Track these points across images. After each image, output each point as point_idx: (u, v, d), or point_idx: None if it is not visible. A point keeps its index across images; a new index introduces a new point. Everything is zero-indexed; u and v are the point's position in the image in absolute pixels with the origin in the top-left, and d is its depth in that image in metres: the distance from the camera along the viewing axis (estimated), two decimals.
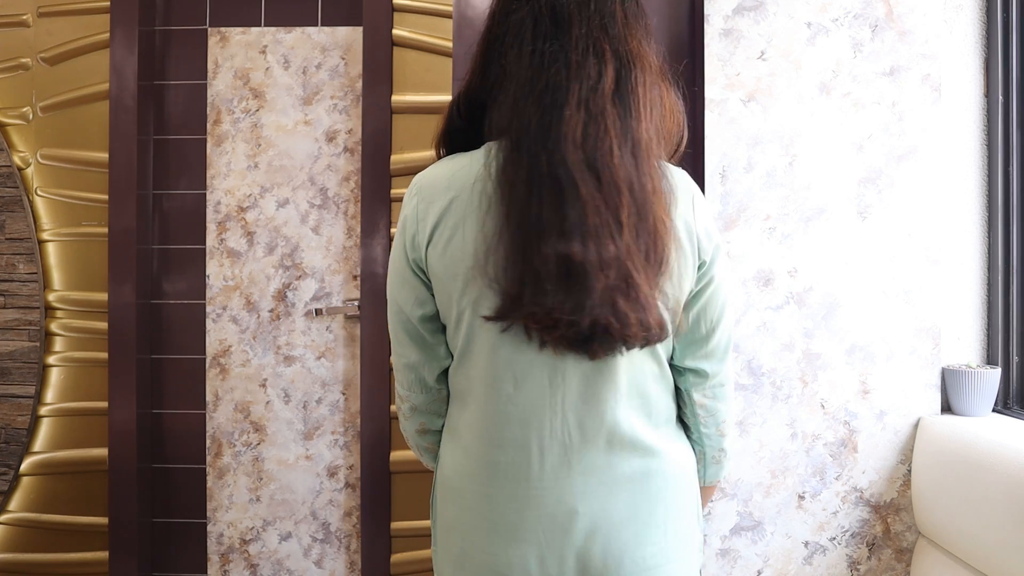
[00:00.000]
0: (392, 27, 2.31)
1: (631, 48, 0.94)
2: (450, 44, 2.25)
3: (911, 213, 1.82)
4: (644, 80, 0.94)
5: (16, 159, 2.38)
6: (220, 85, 2.42)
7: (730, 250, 1.83)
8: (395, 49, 2.32)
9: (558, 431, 0.96)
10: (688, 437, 1.09)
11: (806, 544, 1.83)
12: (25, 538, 2.38)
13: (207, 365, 2.43)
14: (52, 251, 2.38)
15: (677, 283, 0.97)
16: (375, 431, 2.25)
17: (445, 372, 1.06)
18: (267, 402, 2.42)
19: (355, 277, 2.39)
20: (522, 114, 0.91)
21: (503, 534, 0.97)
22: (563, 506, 0.96)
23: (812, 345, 1.82)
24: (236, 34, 2.42)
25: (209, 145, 2.43)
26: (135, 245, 2.31)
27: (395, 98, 2.30)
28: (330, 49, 2.41)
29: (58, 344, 2.39)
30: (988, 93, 1.93)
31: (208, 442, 2.43)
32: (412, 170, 2.23)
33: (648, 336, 0.91)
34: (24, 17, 2.39)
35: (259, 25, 2.42)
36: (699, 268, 1.00)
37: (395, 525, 2.29)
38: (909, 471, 1.82)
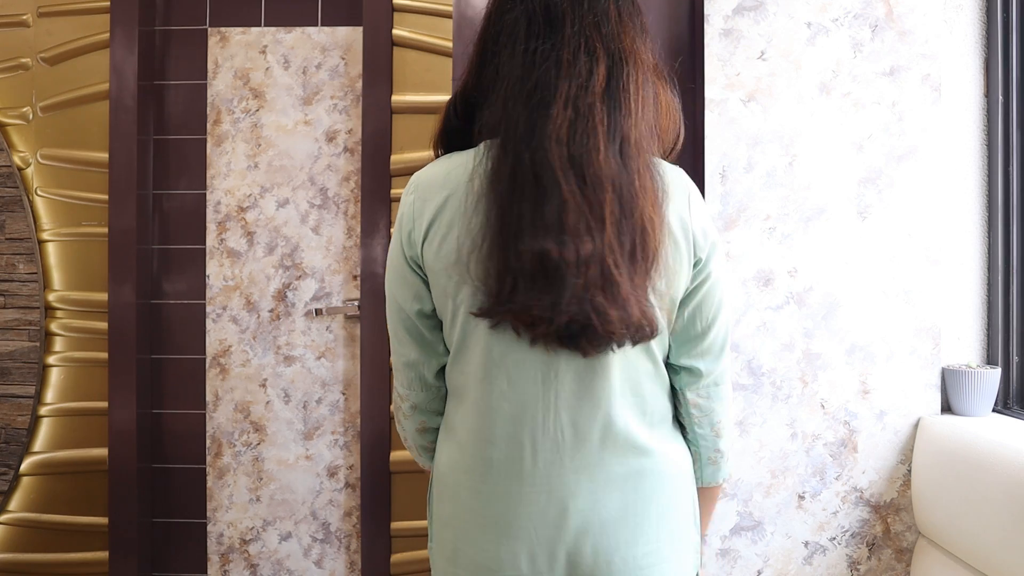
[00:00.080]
0: (392, 27, 2.31)
1: (624, 45, 0.95)
2: (450, 44, 2.25)
3: (911, 213, 1.82)
4: (637, 77, 0.94)
5: (16, 159, 2.38)
6: (220, 85, 2.42)
7: (730, 250, 1.83)
8: (395, 49, 2.32)
9: (551, 428, 0.96)
10: (684, 437, 1.08)
11: (806, 544, 1.83)
12: (25, 538, 2.38)
13: (207, 365, 2.43)
14: (52, 251, 2.38)
15: (671, 280, 0.97)
16: (375, 431, 2.25)
17: (443, 369, 1.06)
18: (267, 402, 2.42)
19: (355, 277, 2.39)
20: (511, 114, 0.92)
21: (494, 531, 0.98)
22: (554, 503, 0.96)
23: (812, 345, 1.82)
24: (236, 34, 2.42)
25: (209, 145, 2.43)
26: (135, 245, 2.31)
27: (395, 98, 2.30)
28: (330, 49, 2.41)
29: (58, 344, 2.39)
30: (988, 93, 1.93)
31: (208, 442, 2.43)
32: (412, 170, 2.23)
33: (637, 333, 0.92)
34: (24, 17, 2.39)
35: (259, 25, 2.42)
36: (695, 265, 1.00)
37: (395, 525, 2.29)
38: (909, 471, 1.82)
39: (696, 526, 1.07)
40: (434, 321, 1.03)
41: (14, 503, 2.38)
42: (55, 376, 2.39)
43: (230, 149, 2.42)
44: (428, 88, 2.30)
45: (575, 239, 0.88)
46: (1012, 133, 1.88)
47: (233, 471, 2.42)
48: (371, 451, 2.26)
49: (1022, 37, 1.88)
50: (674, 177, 1.00)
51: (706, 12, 1.83)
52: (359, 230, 2.34)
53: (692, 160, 1.89)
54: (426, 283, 1.01)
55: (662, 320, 0.97)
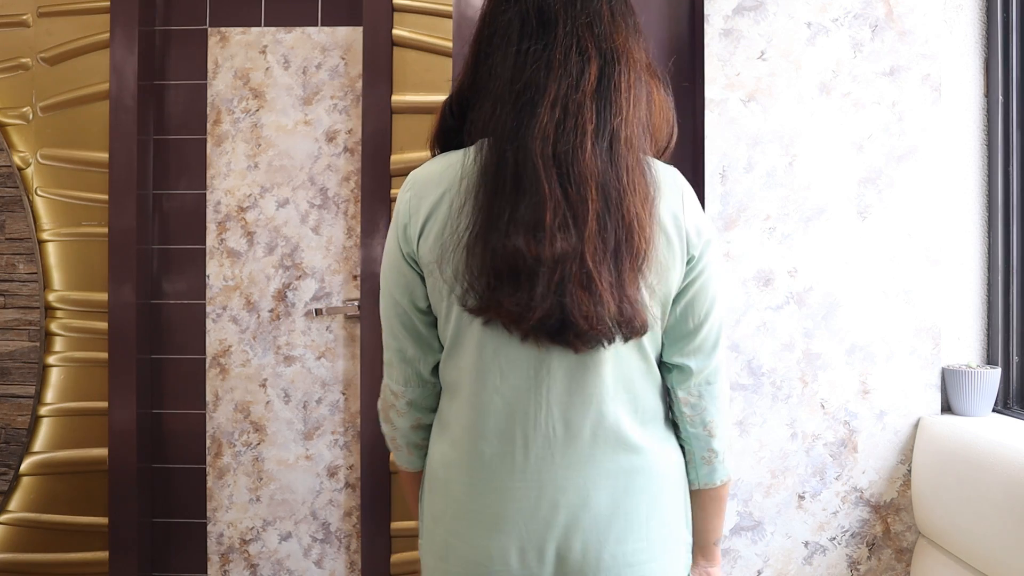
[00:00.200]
0: (392, 27, 2.31)
1: (617, 45, 0.96)
2: (450, 44, 2.25)
3: (911, 213, 1.82)
4: (629, 76, 0.95)
5: (16, 159, 2.38)
6: (220, 85, 2.42)
7: (730, 250, 1.83)
8: (395, 49, 2.32)
9: (542, 424, 0.97)
10: (678, 437, 1.08)
11: (806, 544, 1.83)
12: (25, 538, 2.38)
13: (207, 365, 2.43)
14: (52, 251, 2.38)
15: (663, 276, 0.97)
16: (375, 431, 2.25)
17: (438, 365, 1.07)
18: (267, 402, 2.42)
19: (355, 277, 2.39)
20: (499, 114, 0.94)
21: (485, 525, 0.98)
22: (545, 499, 0.97)
23: (812, 345, 1.82)
24: (236, 34, 2.42)
25: (209, 145, 2.43)
26: (135, 245, 2.31)
27: (395, 98, 2.30)
28: (330, 49, 2.41)
29: (58, 344, 2.39)
30: (988, 93, 1.93)
31: (208, 442, 2.43)
32: (412, 170, 2.23)
33: (625, 328, 0.92)
34: (24, 17, 2.39)
35: (259, 25, 2.42)
36: (688, 262, 1.00)
37: (395, 525, 2.29)
38: (909, 471, 1.82)
39: (687, 526, 1.07)
40: (430, 317, 1.04)
41: (14, 503, 2.38)
42: (55, 376, 2.39)
43: (230, 149, 2.42)
44: (428, 88, 2.30)
45: (552, 236, 0.89)
46: (1012, 133, 1.88)
47: (233, 471, 2.42)
48: (371, 451, 2.26)
49: (1022, 37, 1.88)
50: (667, 175, 1.01)
51: (706, 12, 1.83)
52: (359, 230, 2.34)
53: (692, 160, 1.89)
54: (422, 279, 1.02)
55: (654, 317, 0.97)
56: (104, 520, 2.34)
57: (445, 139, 1.06)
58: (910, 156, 1.82)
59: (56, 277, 2.38)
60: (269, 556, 2.43)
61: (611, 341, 0.94)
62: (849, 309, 1.82)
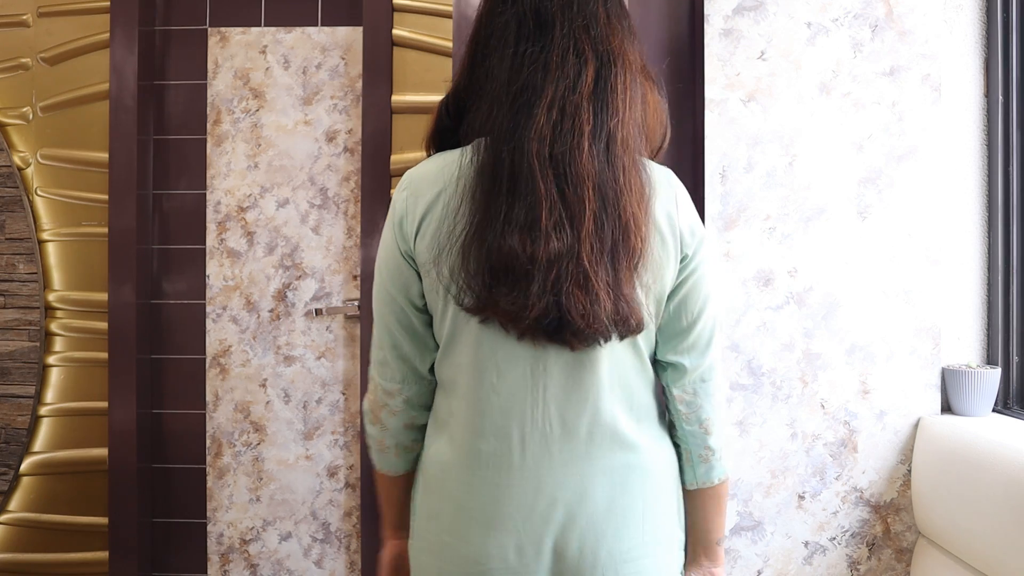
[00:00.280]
0: (392, 27, 2.31)
1: (613, 47, 0.97)
2: (450, 44, 2.25)
3: (911, 213, 1.82)
4: (625, 78, 0.96)
5: (16, 159, 2.38)
6: (220, 85, 2.42)
7: (730, 250, 1.83)
8: (395, 49, 2.32)
9: (539, 421, 0.98)
10: (672, 435, 1.08)
11: (806, 544, 1.83)
12: (25, 538, 2.38)
13: (207, 365, 2.43)
14: (52, 251, 2.38)
15: (658, 275, 0.99)
16: None
17: (433, 362, 1.07)
18: (267, 402, 2.42)
19: (355, 277, 2.39)
20: (496, 115, 0.95)
21: (482, 523, 0.99)
22: (542, 496, 0.98)
23: (812, 345, 1.82)
24: (236, 34, 2.42)
25: (209, 145, 2.43)
26: (135, 245, 2.32)
27: (395, 98, 2.30)
28: (330, 49, 2.41)
29: (58, 344, 2.39)
30: (988, 93, 1.93)
31: (208, 442, 2.43)
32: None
33: (621, 327, 0.93)
34: (24, 17, 2.39)
35: (259, 25, 2.42)
36: (682, 260, 1.01)
37: None
38: (909, 471, 1.82)
39: (680, 525, 1.08)
40: (426, 315, 1.04)
41: (14, 503, 2.38)
42: (55, 376, 2.39)
43: (230, 149, 2.42)
44: (428, 88, 2.30)
45: (547, 236, 0.90)
46: (1012, 133, 1.88)
47: (233, 471, 2.42)
48: None
49: (1022, 37, 1.87)
50: (661, 175, 1.02)
51: (706, 12, 1.83)
52: (359, 230, 2.34)
53: (692, 160, 1.89)
54: (419, 277, 1.02)
55: (649, 315, 0.98)
56: (104, 520, 2.34)
57: (441, 139, 1.06)
58: (910, 156, 1.82)
59: (56, 277, 2.38)
60: (269, 556, 2.43)
61: (607, 339, 0.95)
62: (849, 309, 1.82)
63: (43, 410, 2.38)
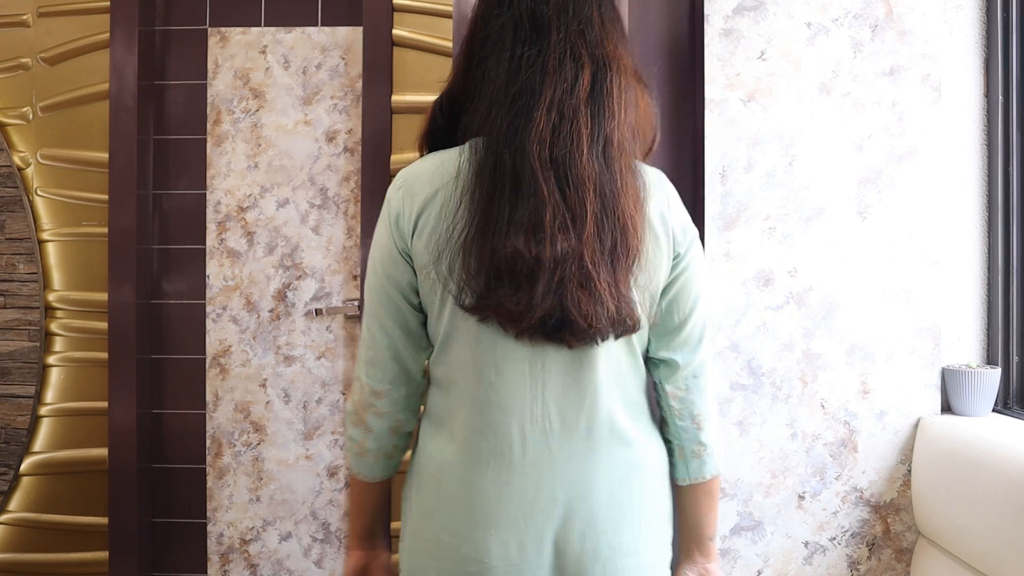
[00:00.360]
0: (392, 27, 2.31)
1: (608, 52, 0.98)
2: (450, 44, 2.25)
3: (911, 213, 1.82)
4: (620, 82, 0.98)
5: (16, 159, 2.38)
6: (220, 85, 2.42)
7: (730, 250, 1.83)
8: (395, 49, 2.32)
9: (539, 418, 0.99)
10: (663, 433, 1.10)
11: (806, 544, 1.83)
12: (25, 538, 2.38)
13: (207, 365, 2.43)
14: (52, 251, 2.38)
15: (652, 275, 1.01)
16: None
17: (425, 363, 1.08)
18: (267, 402, 2.42)
19: (355, 277, 2.39)
20: (495, 117, 0.95)
21: (483, 521, 0.99)
22: (543, 493, 0.99)
23: (812, 345, 1.82)
24: (236, 34, 2.42)
25: (209, 145, 2.43)
26: (135, 245, 2.32)
27: (395, 98, 2.30)
28: (330, 49, 2.41)
29: (58, 344, 2.39)
30: (988, 93, 1.93)
31: (208, 442, 2.43)
32: None
33: (619, 326, 0.95)
34: (24, 17, 2.39)
35: (259, 25, 2.42)
36: (674, 259, 1.04)
37: (395, 525, 2.29)
38: (909, 471, 1.82)
39: (670, 521, 1.09)
40: (421, 314, 1.04)
41: (14, 503, 2.38)
42: (55, 376, 2.39)
43: (230, 149, 2.42)
44: (428, 88, 2.30)
45: (552, 237, 0.91)
46: (1012, 133, 1.88)
47: (233, 471, 2.42)
48: None
49: (1022, 37, 1.88)
50: (654, 177, 1.05)
51: (706, 12, 1.83)
52: (359, 230, 2.34)
53: (692, 160, 1.90)
54: (415, 275, 1.02)
55: (644, 314, 1.00)
56: (104, 520, 2.34)
57: (435, 139, 1.07)
58: (910, 156, 1.82)
59: (56, 277, 2.38)
60: (269, 556, 2.43)
61: (604, 339, 0.96)
62: (849, 309, 1.82)
63: (43, 410, 2.38)
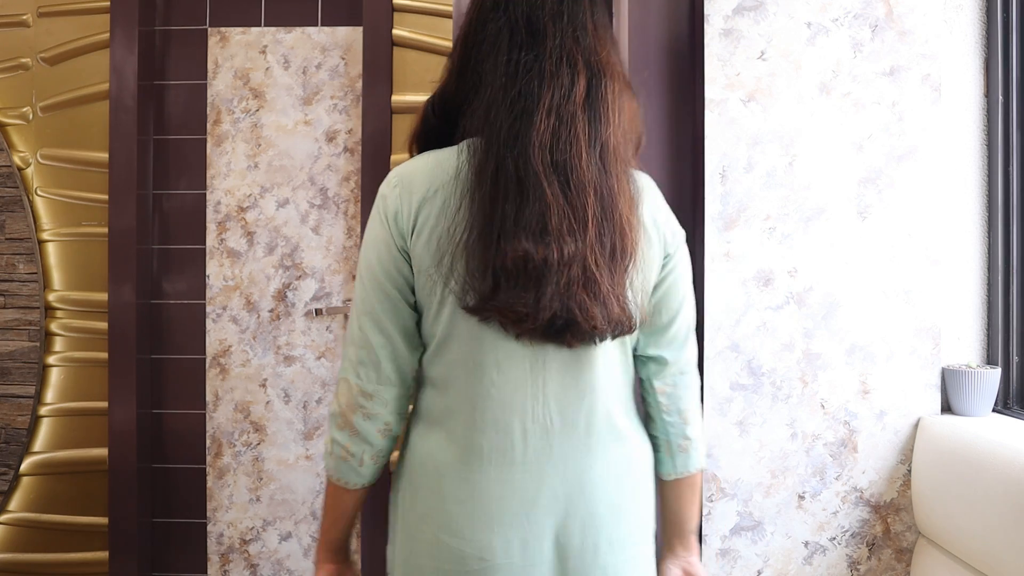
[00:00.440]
0: (392, 27, 2.31)
1: (601, 58, 1.00)
2: (450, 44, 2.25)
3: (911, 213, 1.82)
4: (613, 88, 1.00)
5: (16, 159, 2.38)
6: (220, 85, 2.42)
7: (730, 250, 1.83)
8: (395, 49, 2.32)
9: (540, 416, 1.00)
10: (648, 429, 1.12)
11: (806, 544, 1.83)
12: (25, 538, 2.38)
13: (207, 365, 2.43)
14: (52, 251, 2.38)
15: (646, 276, 1.03)
16: None
17: (419, 363, 1.07)
18: (267, 402, 2.42)
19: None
20: (494, 120, 0.97)
21: (485, 519, 0.99)
22: (544, 489, 1.00)
23: (812, 345, 1.82)
24: (236, 34, 2.42)
25: (209, 145, 2.43)
26: (135, 245, 2.32)
27: (395, 98, 2.30)
28: (330, 49, 2.41)
29: (58, 344, 2.39)
30: (988, 93, 1.93)
31: (208, 442, 2.43)
32: None
33: (619, 327, 0.97)
34: (24, 17, 2.39)
35: (259, 25, 2.42)
36: (664, 259, 1.07)
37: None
38: (909, 471, 1.82)
39: (652, 514, 1.12)
40: (416, 314, 1.04)
41: (14, 503, 2.38)
42: (55, 376, 2.39)
43: (230, 149, 2.42)
44: (428, 88, 2.27)
45: (558, 240, 0.93)
46: (1012, 133, 1.88)
47: (233, 471, 2.42)
48: None
49: (1022, 37, 1.88)
50: (644, 181, 1.08)
51: (706, 12, 1.83)
52: (359, 230, 2.34)
53: (692, 160, 1.90)
54: (412, 274, 1.02)
55: (638, 314, 1.02)
56: (104, 520, 2.34)
57: (427, 139, 1.08)
58: (910, 156, 1.82)
59: (56, 277, 2.38)
60: (269, 556, 2.43)
61: (604, 339, 0.98)
62: (849, 309, 1.82)
63: (43, 410, 2.38)
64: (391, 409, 1.04)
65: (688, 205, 1.91)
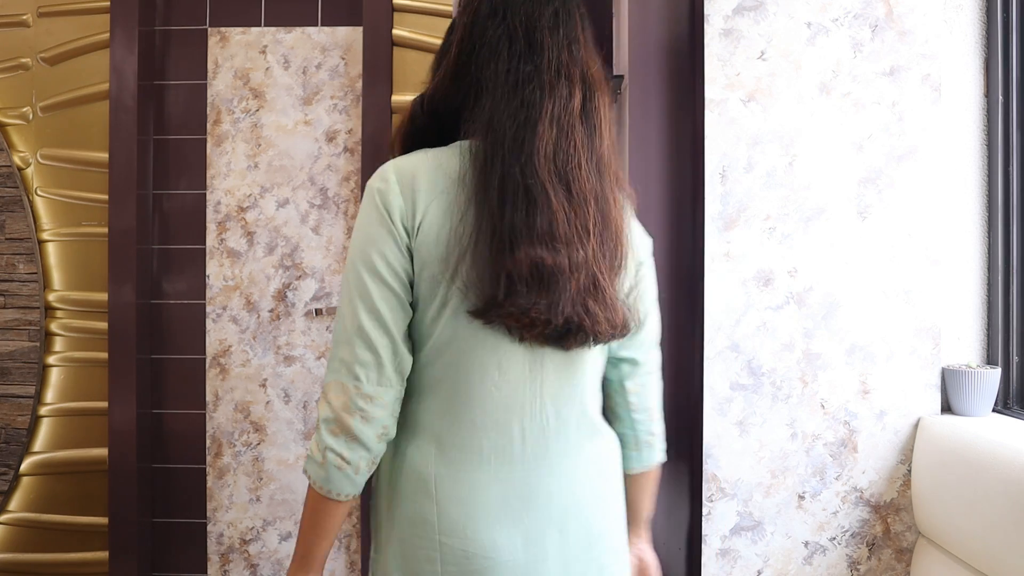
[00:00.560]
0: (392, 27, 2.31)
1: (592, 73, 1.03)
2: None
3: (911, 213, 1.82)
4: (604, 102, 1.03)
5: (16, 159, 2.38)
6: (220, 85, 2.42)
7: (730, 250, 1.83)
8: (395, 49, 2.32)
9: (537, 415, 1.03)
10: (614, 426, 1.18)
11: (806, 544, 1.83)
12: (25, 538, 2.38)
13: (207, 365, 2.43)
14: (52, 251, 2.38)
15: (627, 281, 1.07)
16: None
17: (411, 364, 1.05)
18: (267, 402, 2.42)
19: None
20: (498, 127, 0.98)
21: (488, 518, 1.00)
22: (542, 485, 1.02)
23: (812, 345, 1.82)
24: (236, 34, 2.42)
25: (209, 145, 2.43)
26: (135, 245, 2.32)
27: (395, 98, 2.30)
28: (330, 49, 2.41)
29: (58, 344, 2.39)
30: (988, 93, 1.93)
31: (208, 442, 2.43)
32: None
33: (620, 331, 1.01)
34: (24, 17, 2.39)
35: (259, 25, 2.42)
36: (637, 265, 1.11)
37: None
38: (909, 471, 1.82)
39: (623, 506, 1.16)
40: (413, 314, 1.02)
41: (14, 503, 2.38)
42: (55, 376, 2.39)
43: (230, 149, 2.42)
44: None
45: (567, 248, 0.96)
46: (1012, 133, 1.88)
47: (233, 471, 2.42)
48: None
49: (1022, 37, 1.88)
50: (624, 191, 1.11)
51: (706, 12, 1.83)
52: None
53: (692, 160, 1.90)
54: (413, 273, 1.00)
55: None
56: (104, 520, 2.34)
57: (415, 139, 1.08)
58: (910, 156, 1.82)
59: (56, 277, 2.38)
60: (269, 556, 2.43)
61: (603, 342, 1.02)
62: (849, 309, 1.82)
63: (43, 410, 2.38)
64: (389, 412, 1.00)
65: (688, 205, 1.91)
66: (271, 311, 2.42)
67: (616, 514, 1.10)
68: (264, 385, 2.42)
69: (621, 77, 2.01)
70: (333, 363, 1.00)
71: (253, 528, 2.42)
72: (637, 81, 1.90)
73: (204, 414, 2.43)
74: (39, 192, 2.37)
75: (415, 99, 1.09)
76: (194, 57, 2.42)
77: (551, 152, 0.97)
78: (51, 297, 2.38)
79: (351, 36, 2.39)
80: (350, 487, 1.00)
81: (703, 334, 1.82)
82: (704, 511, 1.83)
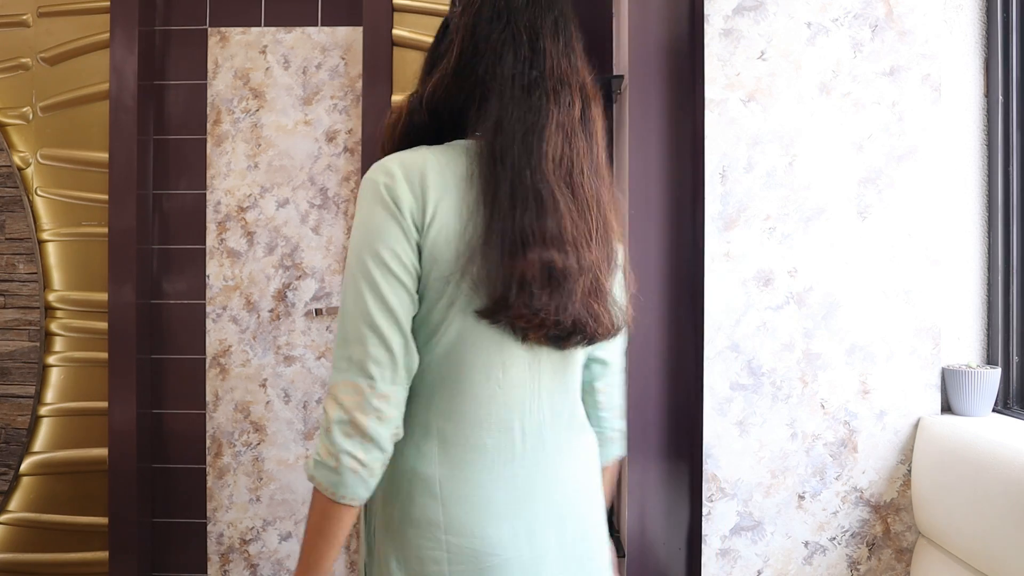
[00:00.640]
0: (392, 27, 2.31)
1: (586, 82, 1.06)
2: None
3: (911, 213, 1.82)
4: (598, 112, 1.06)
5: (16, 159, 2.38)
6: (220, 85, 2.42)
7: (730, 250, 1.83)
8: (395, 49, 2.32)
9: (536, 413, 1.05)
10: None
11: (806, 544, 1.83)
12: (25, 538, 2.38)
13: (207, 365, 2.43)
14: (52, 251, 2.38)
15: (615, 284, 1.10)
16: None
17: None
18: (267, 402, 2.42)
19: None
20: (507, 130, 0.99)
21: (491, 515, 1.01)
22: (540, 481, 1.04)
23: (812, 345, 1.82)
24: (236, 34, 2.42)
25: (209, 145, 2.43)
26: (135, 245, 2.32)
27: (395, 98, 2.30)
28: (330, 49, 2.41)
29: (58, 344, 2.39)
30: (988, 93, 1.93)
31: (208, 442, 2.43)
32: None
33: (611, 332, 1.03)
34: (24, 17, 2.39)
35: (259, 25, 2.42)
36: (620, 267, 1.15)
37: None
38: (909, 471, 1.82)
39: (603, 498, 1.20)
40: (418, 311, 1.01)
41: (14, 503, 2.38)
42: (55, 376, 2.39)
43: (230, 149, 2.42)
44: None
45: (576, 250, 0.98)
46: (1012, 133, 1.88)
47: (233, 471, 2.42)
48: None
49: (1022, 37, 1.88)
50: None
51: (706, 12, 1.83)
52: None
53: (692, 160, 1.90)
54: (421, 270, 0.99)
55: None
56: (104, 520, 2.34)
57: (411, 137, 1.08)
58: (910, 156, 1.82)
59: (56, 277, 2.38)
60: (269, 556, 2.43)
61: (595, 343, 1.04)
62: (849, 309, 1.82)
63: (43, 410, 2.38)
64: (401, 412, 0.98)
65: (688, 205, 1.91)
66: (271, 311, 2.42)
67: (600, 506, 1.14)
68: (264, 385, 2.42)
69: (621, 77, 2.01)
70: (341, 362, 0.96)
71: (253, 528, 2.42)
72: (637, 81, 1.91)
73: (204, 414, 2.43)
74: (39, 192, 2.37)
75: (412, 96, 1.11)
76: (194, 57, 2.42)
77: (558, 157, 0.99)
78: (51, 297, 2.38)
79: (351, 36, 2.39)
80: (364, 491, 0.97)
81: (703, 334, 1.82)
82: (704, 511, 1.83)
